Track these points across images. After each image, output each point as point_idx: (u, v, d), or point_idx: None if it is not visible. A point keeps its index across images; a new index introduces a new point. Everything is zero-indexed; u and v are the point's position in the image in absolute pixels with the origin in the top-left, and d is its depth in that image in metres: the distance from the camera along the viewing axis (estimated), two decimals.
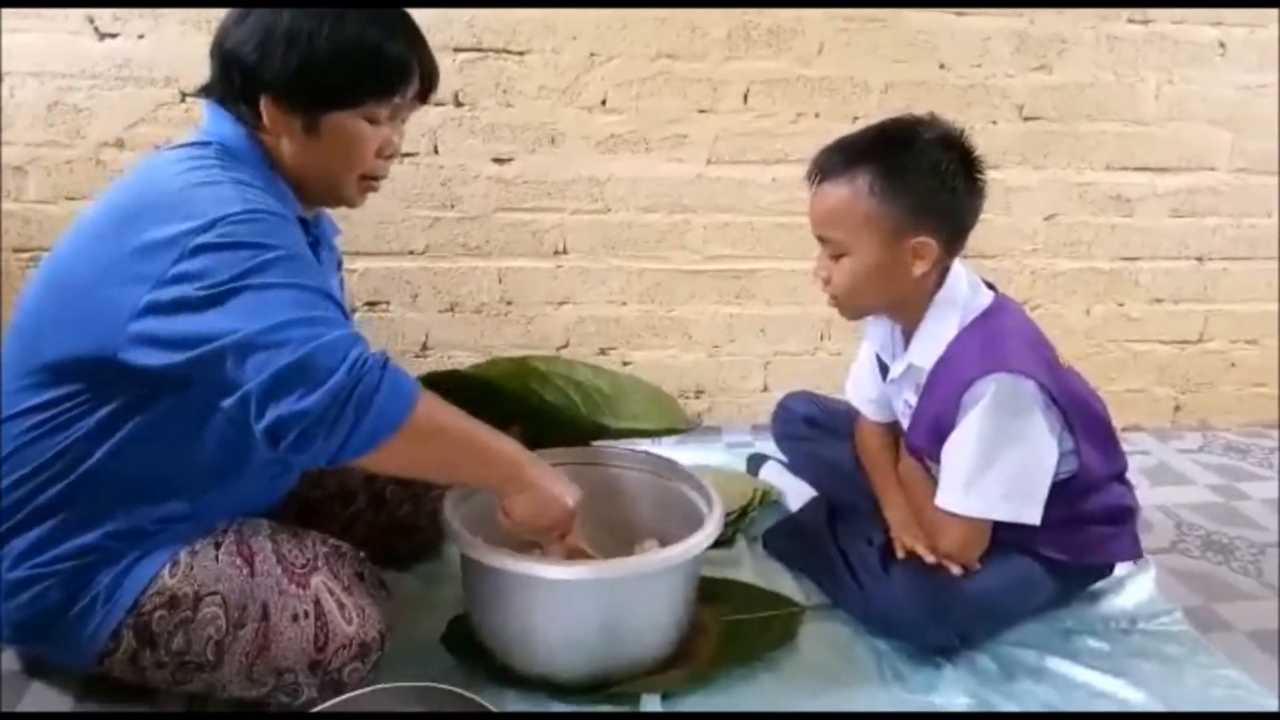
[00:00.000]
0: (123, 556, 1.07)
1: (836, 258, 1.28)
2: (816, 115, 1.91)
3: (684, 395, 2.08)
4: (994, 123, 1.98)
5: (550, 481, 1.12)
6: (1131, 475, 1.47)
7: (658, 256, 1.96)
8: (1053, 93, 1.97)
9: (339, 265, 1.36)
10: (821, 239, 1.30)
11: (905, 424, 1.41)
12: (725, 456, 1.96)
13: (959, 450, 1.25)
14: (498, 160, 1.84)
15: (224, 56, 1.06)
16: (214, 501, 1.11)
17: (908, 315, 1.34)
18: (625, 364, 2.02)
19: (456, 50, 1.76)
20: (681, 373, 2.06)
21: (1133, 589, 1.48)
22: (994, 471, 1.23)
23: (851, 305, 1.33)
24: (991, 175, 2.03)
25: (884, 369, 1.45)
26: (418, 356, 1.96)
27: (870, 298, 1.32)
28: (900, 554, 1.35)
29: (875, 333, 1.46)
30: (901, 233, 1.23)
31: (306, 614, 1.06)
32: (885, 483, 1.49)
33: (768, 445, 1.85)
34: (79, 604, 1.05)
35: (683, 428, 1.46)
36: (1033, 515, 1.25)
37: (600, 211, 1.91)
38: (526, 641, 1.18)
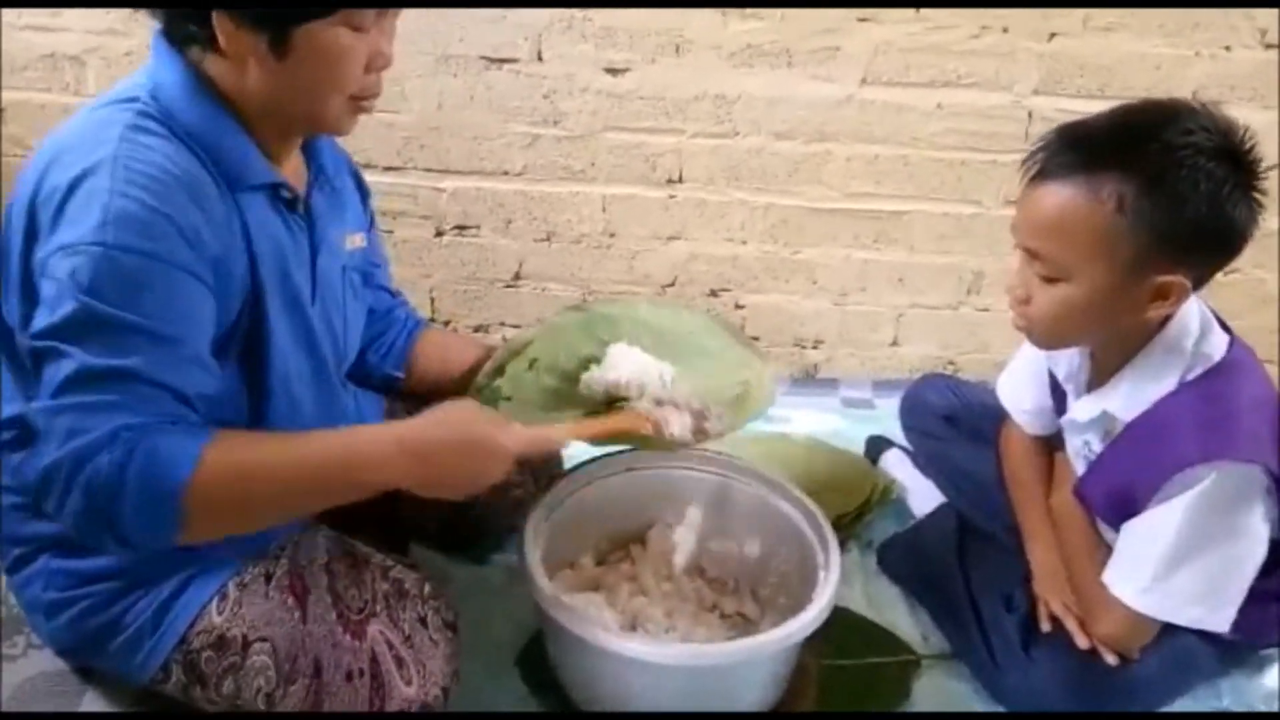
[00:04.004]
0: (163, 580, 0.98)
1: (1047, 280, 1.01)
2: (1005, 30, 1.56)
3: (800, 344, 1.86)
4: (1227, 49, 1.59)
5: (445, 462, 0.87)
6: None
7: (788, 191, 1.69)
8: None
9: (365, 199, 1.17)
10: (1031, 252, 1.02)
11: (1079, 466, 1.19)
12: (841, 418, 1.77)
13: (1152, 537, 1.03)
14: (610, 71, 1.58)
15: None
16: None
17: (1116, 352, 1.08)
18: (738, 307, 1.81)
19: None
20: (801, 320, 1.83)
21: None
22: (1189, 570, 1.03)
23: (1051, 337, 1.08)
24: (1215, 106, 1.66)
25: (1059, 394, 1.21)
26: (509, 287, 1.79)
27: (1079, 334, 1.07)
28: (1045, 624, 1.17)
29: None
30: (1147, 266, 0.96)
31: (362, 672, 0.98)
32: (1034, 516, 1.29)
33: (888, 404, 1.65)
34: (124, 633, 0.99)
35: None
36: (1223, 623, 1.05)
37: (725, 135, 1.64)
38: (606, 703, 1.06)
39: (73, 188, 0.81)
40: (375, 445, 0.86)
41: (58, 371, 0.77)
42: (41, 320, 0.78)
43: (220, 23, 0.84)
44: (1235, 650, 1.19)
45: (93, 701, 1.10)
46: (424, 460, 0.86)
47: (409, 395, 1.24)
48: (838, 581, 1.06)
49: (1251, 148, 0.95)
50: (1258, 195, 0.96)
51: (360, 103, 0.93)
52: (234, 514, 0.83)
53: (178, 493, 0.77)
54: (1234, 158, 0.94)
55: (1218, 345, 1.05)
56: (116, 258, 0.78)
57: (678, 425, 1.02)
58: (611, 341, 1.16)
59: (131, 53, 1.53)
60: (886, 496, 1.50)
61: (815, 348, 1.87)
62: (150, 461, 0.76)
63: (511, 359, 1.16)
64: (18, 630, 1.16)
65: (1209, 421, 1.01)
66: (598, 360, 1.14)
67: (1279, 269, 1.78)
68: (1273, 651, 1.26)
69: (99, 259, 0.77)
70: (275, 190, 0.94)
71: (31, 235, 0.83)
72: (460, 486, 0.89)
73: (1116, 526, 1.11)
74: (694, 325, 1.24)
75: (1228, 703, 1.22)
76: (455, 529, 1.29)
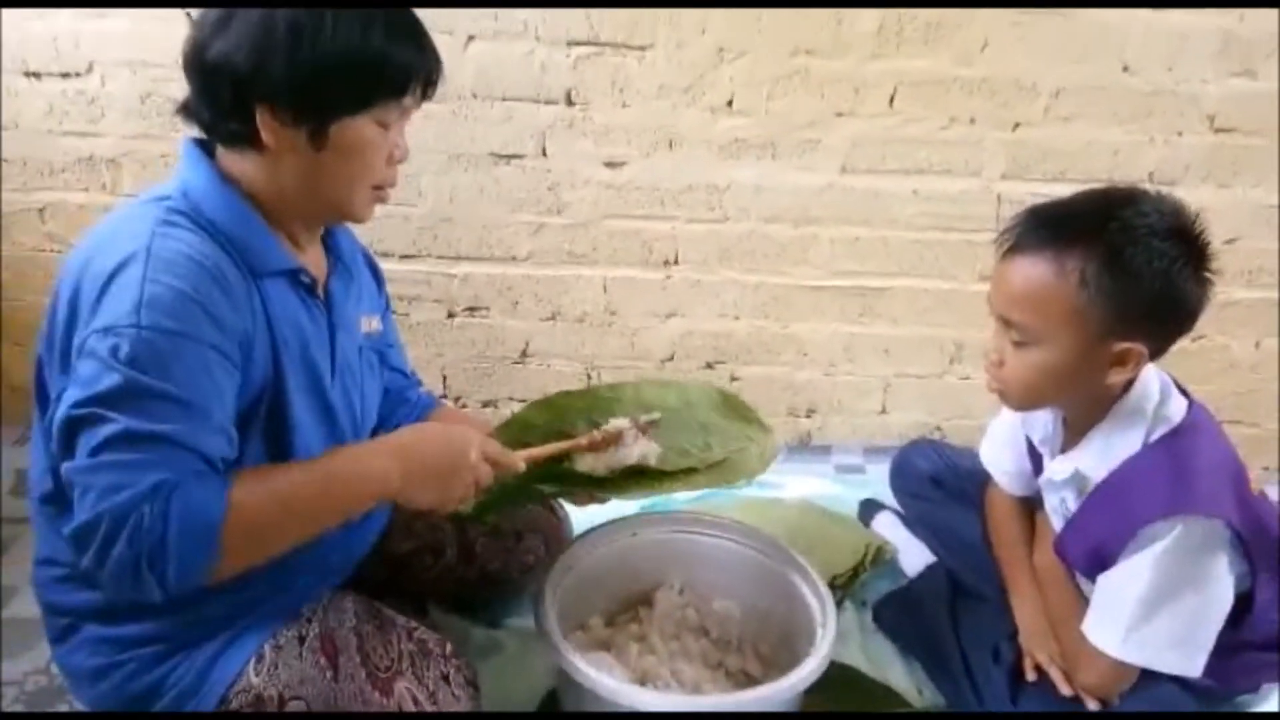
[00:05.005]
0: (202, 644, 1.03)
1: (1018, 345, 1.10)
2: (971, 121, 1.69)
3: (794, 414, 1.94)
4: (1179, 134, 1.71)
5: (426, 456, 1.00)
6: None
7: (777, 270, 1.79)
8: (1254, 101, 1.68)
9: (380, 285, 1.25)
10: (1004, 320, 1.11)
11: (1056, 522, 1.25)
12: (834, 484, 1.84)
13: (1125, 589, 1.09)
14: (609, 164, 1.69)
15: (207, 69, 0.93)
16: (288, 565, 1.00)
17: (1084, 415, 1.16)
18: (733, 379, 1.89)
19: (571, 44, 1.59)
20: (794, 390, 1.92)
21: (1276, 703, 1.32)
22: (1162, 619, 1.08)
23: (1023, 398, 1.16)
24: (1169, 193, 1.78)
25: (1035, 455, 1.29)
26: (516, 364, 1.87)
27: (1048, 396, 1.16)
28: (1030, 674, 1.22)
29: (1032, 415, 1.28)
30: (1108, 336, 1.05)
31: None
32: (1017, 573, 1.35)
33: (879, 469, 1.72)
34: (167, 695, 1.02)
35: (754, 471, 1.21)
36: (1197, 667, 1.10)
37: (717, 221, 1.74)
38: None
39: (111, 277, 0.88)
40: (370, 454, 0.98)
41: (95, 435, 0.82)
42: (81, 392, 0.84)
43: (264, 121, 0.93)
44: (1210, 696, 1.23)
45: None
46: (406, 455, 0.98)
47: None
48: (834, 636, 1.12)
49: (1201, 231, 1.04)
50: (1207, 273, 1.04)
51: (380, 192, 1.03)
52: (263, 541, 0.90)
53: (215, 532, 0.84)
54: (1185, 238, 1.03)
55: (1177, 409, 1.13)
56: (151, 337, 0.85)
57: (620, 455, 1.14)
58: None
59: (165, 155, 1.63)
60: (880, 557, 1.56)
61: (808, 416, 1.95)
62: (186, 508, 0.82)
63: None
64: (60, 699, 1.21)
65: (1172, 479, 1.08)
66: None
67: None
68: (1246, 698, 1.30)
69: (135, 339, 0.84)
70: (295, 276, 1.02)
71: (73, 321, 0.90)
72: (440, 477, 1.00)
73: (1094, 579, 1.16)
74: (696, 399, 1.28)
75: None
76: (470, 593, 1.35)
